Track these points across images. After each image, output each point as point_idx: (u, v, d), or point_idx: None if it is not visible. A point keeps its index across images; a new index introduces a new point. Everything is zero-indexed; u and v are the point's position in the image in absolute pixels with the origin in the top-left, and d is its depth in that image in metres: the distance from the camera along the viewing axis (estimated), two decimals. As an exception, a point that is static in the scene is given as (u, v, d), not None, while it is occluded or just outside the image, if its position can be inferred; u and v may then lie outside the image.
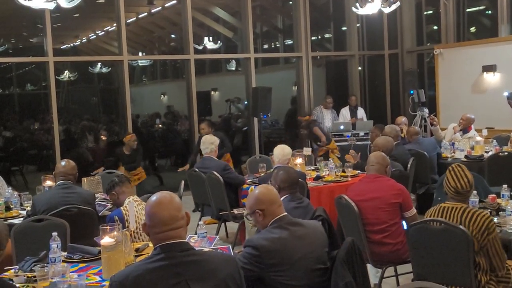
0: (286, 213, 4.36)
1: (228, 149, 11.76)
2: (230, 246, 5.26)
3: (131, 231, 5.53)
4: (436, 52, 14.65)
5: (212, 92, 21.08)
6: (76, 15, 17.36)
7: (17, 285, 4.17)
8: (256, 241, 4.12)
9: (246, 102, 17.73)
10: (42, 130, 16.16)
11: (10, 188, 7.97)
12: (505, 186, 6.40)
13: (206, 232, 5.38)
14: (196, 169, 9.13)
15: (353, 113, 14.80)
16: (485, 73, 13.44)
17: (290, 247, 4.09)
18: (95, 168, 10.92)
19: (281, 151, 8.29)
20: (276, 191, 4.51)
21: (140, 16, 18.90)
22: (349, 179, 8.77)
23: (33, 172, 15.46)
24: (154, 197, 3.53)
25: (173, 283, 3.29)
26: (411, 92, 14.69)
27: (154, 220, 3.44)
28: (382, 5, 11.55)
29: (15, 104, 19.66)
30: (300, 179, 6.94)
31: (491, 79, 13.36)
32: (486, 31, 15.82)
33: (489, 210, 5.86)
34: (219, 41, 18.40)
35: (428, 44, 16.67)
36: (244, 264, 4.00)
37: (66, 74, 19.48)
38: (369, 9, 11.59)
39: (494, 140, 10.80)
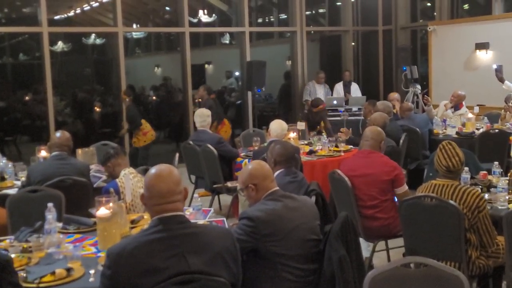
0: (278, 188, 4.42)
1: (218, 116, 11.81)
2: (224, 218, 5.32)
3: (126, 203, 5.56)
4: (429, 28, 14.62)
5: (206, 66, 21.02)
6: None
7: (12, 255, 4.12)
8: (251, 212, 4.18)
9: (237, 73, 17.74)
10: (36, 101, 16.06)
11: (4, 158, 7.96)
12: (496, 163, 6.47)
13: (201, 205, 5.44)
14: (191, 142, 9.16)
15: (347, 88, 14.83)
16: (478, 50, 13.43)
17: (283, 217, 4.16)
18: (90, 140, 10.80)
19: (279, 126, 8.28)
20: (268, 167, 4.55)
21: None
22: (342, 154, 8.84)
23: (26, 142, 15.38)
24: (153, 170, 3.55)
25: (170, 255, 3.32)
26: (404, 68, 14.67)
27: (152, 192, 3.47)
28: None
29: (8, 74, 19.49)
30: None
31: (484, 56, 13.36)
32: (480, 8, 15.83)
33: (480, 186, 5.91)
34: (213, 14, 18.31)
35: (421, 21, 16.66)
36: (240, 235, 4.05)
37: (60, 45, 19.35)
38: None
39: (485, 117, 10.87)
